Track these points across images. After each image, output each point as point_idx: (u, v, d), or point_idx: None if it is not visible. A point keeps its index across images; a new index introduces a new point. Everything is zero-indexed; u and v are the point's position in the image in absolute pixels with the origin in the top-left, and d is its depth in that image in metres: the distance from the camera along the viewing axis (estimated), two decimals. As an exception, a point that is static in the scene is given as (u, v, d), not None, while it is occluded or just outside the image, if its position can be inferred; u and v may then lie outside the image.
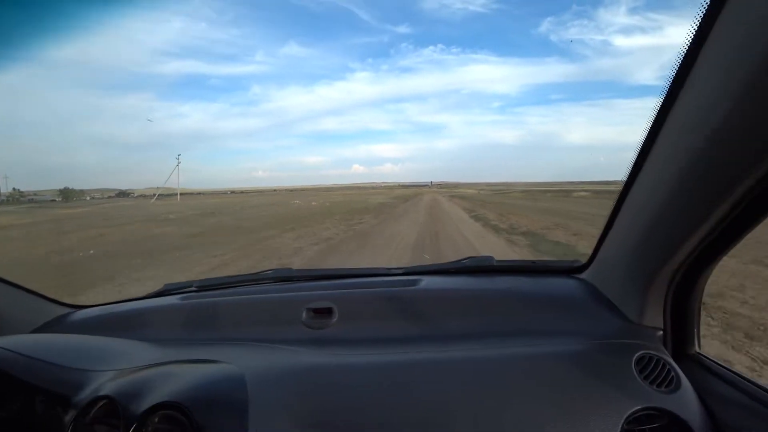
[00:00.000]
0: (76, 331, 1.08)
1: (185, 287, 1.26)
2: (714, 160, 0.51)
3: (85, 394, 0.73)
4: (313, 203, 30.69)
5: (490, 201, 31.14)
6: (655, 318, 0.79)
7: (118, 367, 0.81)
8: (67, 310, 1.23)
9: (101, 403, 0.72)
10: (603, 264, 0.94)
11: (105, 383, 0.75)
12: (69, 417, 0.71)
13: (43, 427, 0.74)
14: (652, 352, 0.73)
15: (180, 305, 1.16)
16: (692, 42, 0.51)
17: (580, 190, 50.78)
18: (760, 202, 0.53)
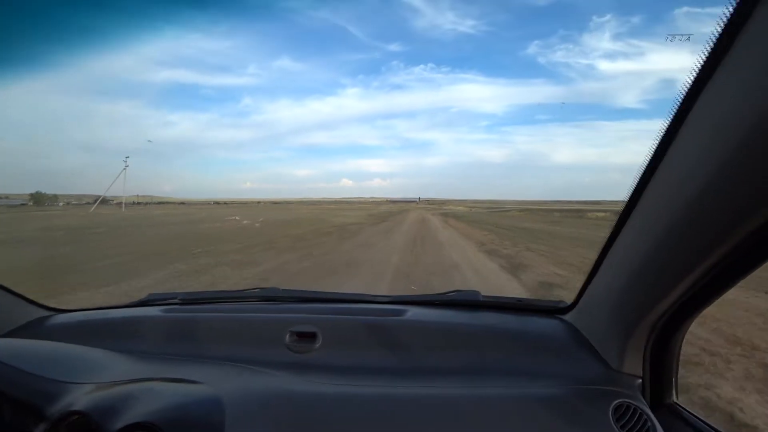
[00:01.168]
0: (54, 336, 1.05)
1: (169, 299, 1.25)
2: (702, 215, 0.52)
3: (58, 407, 0.70)
4: (257, 224, 21.38)
5: (490, 222, 25.29)
6: (634, 366, 0.78)
7: (95, 380, 0.79)
8: (45, 313, 1.22)
9: (74, 418, 0.69)
10: (587, 307, 0.93)
11: (80, 397, 0.73)
12: (39, 429, 0.69)
13: None
14: (629, 401, 0.72)
15: (162, 317, 1.16)
16: (687, 93, 0.51)
17: (595, 210, 42.61)
18: (746, 257, 0.53)
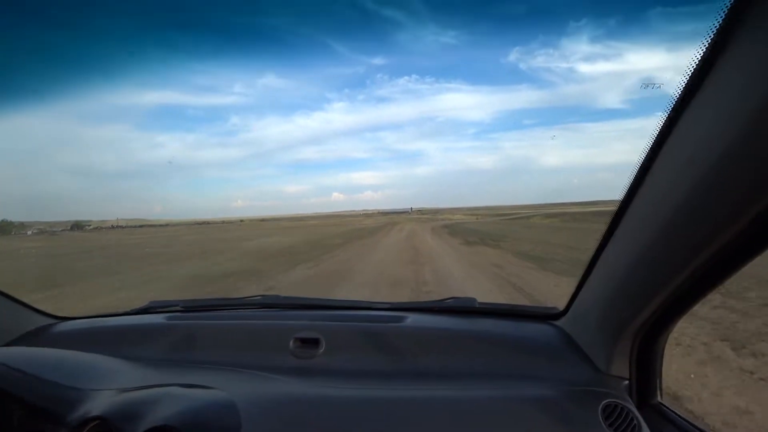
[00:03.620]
0: (59, 343, 1.05)
1: (171, 306, 1.26)
2: (688, 222, 0.53)
3: (78, 414, 0.72)
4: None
5: (536, 240, 13.76)
6: (621, 368, 0.81)
7: (110, 386, 0.80)
8: (49, 320, 1.24)
9: (93, 424, 0.70)
10: (577, 313, 0.96)
11: (98, 403, 0.74)
12: None
13: None
14: (617, 401, 0.75)
15: (166, 325, 1.16)
16: (679, 99, 0.50)
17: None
18: (729, 261, 0.54)
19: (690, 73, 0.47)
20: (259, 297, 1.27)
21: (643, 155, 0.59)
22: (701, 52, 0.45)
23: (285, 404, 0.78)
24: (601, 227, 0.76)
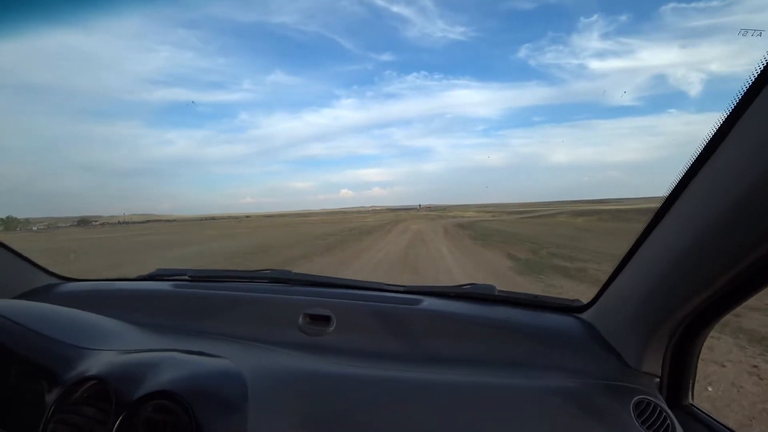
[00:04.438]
0: (64, 303, 0.99)
1: (178, 275, 1.25)
2: (741, 220, 0.52)
3: (75, 373, 0.70)
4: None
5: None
6: (653, 365, 0.78)
7: (110, 347, 0.78)
8: (55, 280, 1.24)
9: (90, 383, 0.68)
10: (606, 307, 0.93)
11: (96, 363, 0.72)
12: (53, 394, 0.68)
13: (21, 400, 0.69)
14: (650, 398, 0.72)
15: (173, 292, 1.15)
16: (749, 89, 0.49)
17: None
18: None
19: (755, 76, 0.46)
20: (268, 271, 1.24)
21: (697, 151, 0.57)
22: None
23: (294, 379, 0.76)
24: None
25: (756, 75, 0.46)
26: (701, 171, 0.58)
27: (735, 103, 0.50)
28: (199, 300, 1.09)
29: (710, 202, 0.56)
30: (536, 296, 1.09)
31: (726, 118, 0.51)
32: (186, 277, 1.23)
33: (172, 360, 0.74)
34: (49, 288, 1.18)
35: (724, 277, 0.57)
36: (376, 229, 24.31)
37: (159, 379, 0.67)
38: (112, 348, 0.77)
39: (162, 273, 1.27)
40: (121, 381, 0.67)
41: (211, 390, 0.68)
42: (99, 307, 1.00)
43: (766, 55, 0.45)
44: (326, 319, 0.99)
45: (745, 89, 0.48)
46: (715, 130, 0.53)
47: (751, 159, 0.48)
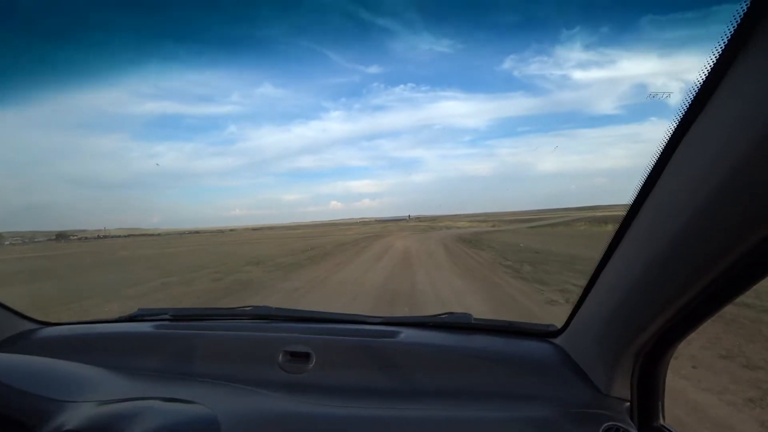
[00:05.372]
0: (41, 350, 1.01)
1: (159, 314, 1.24)
2: (696, 236, 0.50)
3: (50, 427, 0.68)
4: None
5: None
6: (622, 389, 0.78)
7: (88, 397, 0.76)
8: (31, 325, 1.20)
9: None
10: (576, 331, 0.93)
11: (73, 415, 0.70)
12: None
13: None
14: (618, 424, 0.72)
15: (153, 334, 1.14)
16: (687, 112, 0.48)
17: None
18: (737, 280, 0.52)
19: (704, 76, 0.45)
20: (249, 308, 1.24)
21: (648, 169, 0.56)
22: (716, 55, 0.43)
23: (271, 422, 0.76)
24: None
25: (701, 82, 0.45)
26: (652, 190, 0.56)
27: (684, 110, 0.48)
28: (180, 341, 1.09)
29: (663, 223, 0.54)
30: (511, 323, 1.09)
31: (673, 132, 0.50)
32: (167, 317, 1.21)
33: (148, 410, 0.73)
34: (27, 334, 1.15)
35: (684, 298, 0.56)
36: (342, 249, 17.05)
37: (134, 430, 0.66)
38: (90, 399, 0.75)
39: (143, 313, 1.25)
40: None
41: None
42: (78, 353, 1.01)
43: (710, 58, 0.43)
44: (306, 356, 0.98)
45: (692, 97, 0.46)
46: (662, 148, 0.52)
47: (704, 170, 0.46)
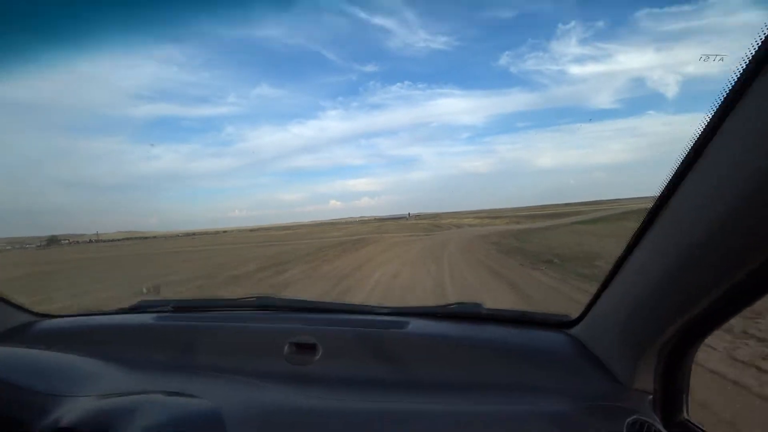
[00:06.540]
0: (41, 342, 1.00)
1: (161, 305, 1.23)
2: (732, 233, 0.49)
3: (47, 422, 0.67)
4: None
5: None
6: (645, 382, 0.76)
7: (86, 391, 0.76)
8: (32, 318, 1.19)
9: None
10: (595, 322, 0.89)
11: (69, 410, 0.69)
12: None
13: None
14: (643, 417, 0.69)
15: (155, 326, 1.12)
16: (732, 89, 0.45)
17: None
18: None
19: (742, 69, 0.43)
20: (254, 298, 1.23)
21: (682, 157, 0.54)
22: (756, 45, 0.41)
23: (276, 416, 0.74)
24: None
25: (741, 71, 0.43)
26: (688, 177, 0.54)
27: (719, 103, 0.46)
28: (182, 332, 1.07)
29: (698, 215, 0.53)
30: (524, 312, 1.06)
31: (708, 123, 0.48)
32: (169, 308, 1.19)
33: (148, 405, 0.72)
34: (27, 327, 1.13)
35: (716, 292, 0.54)
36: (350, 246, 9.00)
37: (134, 425, 0.65)
38: (88, 393, 0.74)
39: (145, 305, 1.24)
40: (93, 430, 0.65)
41: None
42: (79, 345, 0.99)
43: (749, 51, 0.42)
44: (312, 348, 0.97)
45: (729, 87, 0.45)
46: (699, 135, 0.50)
47: (741, 164, 0.45)
